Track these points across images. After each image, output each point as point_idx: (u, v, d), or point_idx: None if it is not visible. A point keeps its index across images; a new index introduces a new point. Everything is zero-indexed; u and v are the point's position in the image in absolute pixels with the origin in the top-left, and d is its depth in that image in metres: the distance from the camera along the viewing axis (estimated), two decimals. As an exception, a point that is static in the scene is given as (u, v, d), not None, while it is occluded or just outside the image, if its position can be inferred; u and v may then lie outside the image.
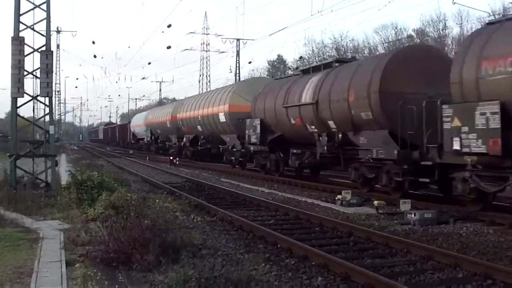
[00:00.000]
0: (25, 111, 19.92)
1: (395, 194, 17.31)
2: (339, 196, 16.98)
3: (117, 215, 11.88)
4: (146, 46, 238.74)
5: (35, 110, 24.79)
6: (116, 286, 7.89)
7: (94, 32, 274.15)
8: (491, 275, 8.36)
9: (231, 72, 76.92)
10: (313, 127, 21.99)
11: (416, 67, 17.34)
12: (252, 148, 28.70)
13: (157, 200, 16.77)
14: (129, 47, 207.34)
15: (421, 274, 8.77)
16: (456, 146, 13.96)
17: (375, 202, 15.73)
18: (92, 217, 13.33)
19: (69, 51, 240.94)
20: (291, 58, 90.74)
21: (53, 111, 19.89)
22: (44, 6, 18.54)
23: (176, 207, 16.07)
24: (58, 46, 79.95)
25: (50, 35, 18.91)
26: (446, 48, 54.66)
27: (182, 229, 12.26)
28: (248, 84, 35.74)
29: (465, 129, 13.66)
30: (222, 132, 34.74)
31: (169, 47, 61.85)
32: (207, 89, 76.37)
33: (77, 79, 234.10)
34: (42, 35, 18.63)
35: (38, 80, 18.54)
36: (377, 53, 51.11)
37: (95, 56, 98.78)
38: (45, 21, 18.54)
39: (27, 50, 18.27)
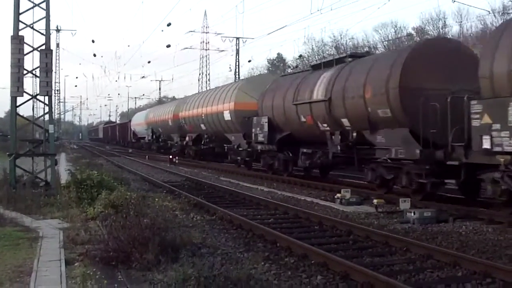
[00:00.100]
0: (25, 110, 19.99)
1: (416, 196, 16.21)
2: (338, 195, 16.98)
3: (116, 214, 11.88)
4: (145, 45, 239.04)
5: (35, 109, 24.88)
6: (116, 285, 7.89)
7: (94, 31, 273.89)
8: (490, 274, 8.37)
9: (230, 70, 76.95)
10: (325, 125, 20.98)
11: (437, 61, 16.37)
12: (259, 147, 27.50)
13: (156, 199, 16.77)
14: (128, 46, 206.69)
15: (421, 272, 8.78)
16: (486, 145, 13.11)
17: (375, 201, 15.73)
18: (91, 216, 13.34)
19: (69, 50, 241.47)
20: (290, 57, 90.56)
21: (53, 110, 19.88)
22: (43, 5, 18.54)
23: (175, 206, 16.07)
24: (57, 45, 79.98)
25: (50, 34, 18.93)
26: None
27: (182, 228, 12.27)
28: (254, 81, 34.66)
29: (497, 126, 12.79)
30: (227, 131, 33.55)
31: (168, 46, 61.84)
32: (206, 87, 76.38)
33: (76, 78, 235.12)
34: (42, 34, 18.65)
35: (38, 79, 18.54)
36: (377, 52, 51.07)
37: (94, 55, 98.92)
38: (44, 20, 18.54)
39: (26, 49, 18.27)
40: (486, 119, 13.18)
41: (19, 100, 18.61)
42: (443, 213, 14.21)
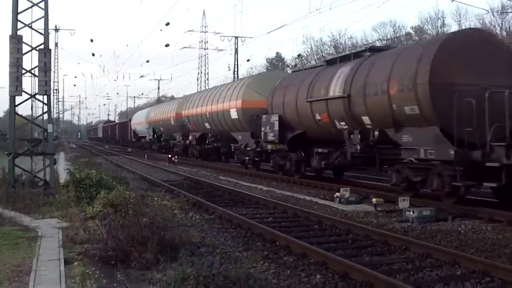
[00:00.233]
0: (23, 110, 19.84)
1: (448, 200, 15.22)
2: (337, 194, 16.99)
3: (115, 213, 11.88)
4: (144, 44, 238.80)
5: (33, 108, 24.70)
6: (115, 284, 7.90)
7: (92, 30, 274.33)
8: (489, 273, 8.37)
9: (229, 70, 76.99)
10: (343, 123, 19.77)
11: (469, 54, 15.29)
12: (269, 147, 26.16)
13: (155, 198, 16.76)
14: (127, 45, 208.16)
15: (420, 271, 8.78)
16: None
17: (374, 200, 15.73)
18: (90, 215, 13.33)
19: (67, 49, 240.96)
20: (289, 56, 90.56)
21: (52, 109, 19.86)
22: (42, 5, 18.51)
23: (174, 205, 16.06)
24: (56, 44, 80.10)
25: (48, 33, 18.89)
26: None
27: (181, 227, 12.26)
28: (262, 77, 33.19)
29: None
30: (233, 130, 32.37)
31: (167, 45, 61.81)
32: (205, 87, 76.39)
33: (75, 77, 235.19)
34: (40, 33, 18.60)
35: (36, 79, 18.51)
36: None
37: (93, 54, 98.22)
38: (43, 19, 18.50)
39: (25, 48, 18.24)
40: None
41: (18, 99, 18.59)
42: (442, 212, 14.23)
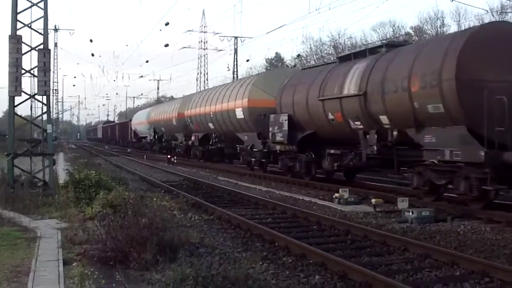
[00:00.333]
0: (23, 110, 19.88)
1: (476, 204, 14.29)
2: (336, 194, 16.99)
3: (114, 213, 11.87)
4: (143, 44, 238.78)
5: (33, 108, 24.70)
6: (113, 284, 7.89)
7: (92, 30, 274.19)
8: (488, 273, 8.38)
9: (228, 70, 77.15)
10: (358, 123, 18.70)
11: (498, 48, 14.38)
12: (277, 147, 25.10)
13: (154, 199, 16.72)
14: (126, 45, 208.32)
15: (419, 272, 8.79)
16: None
17: (373, 200, 15.73)
18: (89, 216, 13.33)
19: (67, 50, 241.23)
20: (288, 56, 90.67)
21: (51, 109, 19.85)
22: (41, 4, 18.50)
23: (173, 206, 16.05)
24: (55, 45, 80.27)
25: (48, 33, 18.90)
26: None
27: (180, 228, 12.25)
28: (269, 76, 32.20)
29: None
30: (238, 130, 31.11)
31: (166, 45, 61.77)
32: (205, 87, 76.38)
33: (74, 77, 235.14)
34: (40, 33, 18.60)
35: (36, 79, 18.51)
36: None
37: (92, 55, 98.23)
38: (42, 19, 18.50)
39: (24, 48, 18.23)
40: None
41: (17, 99, 18.58)
42: (442, 213, 14.22)
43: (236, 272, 8.21)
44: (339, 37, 69.57)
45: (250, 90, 29.46)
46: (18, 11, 18.29)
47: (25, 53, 18.28)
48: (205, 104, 36.98)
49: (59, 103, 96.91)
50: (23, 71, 18.28)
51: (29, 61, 18.49)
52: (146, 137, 62.14)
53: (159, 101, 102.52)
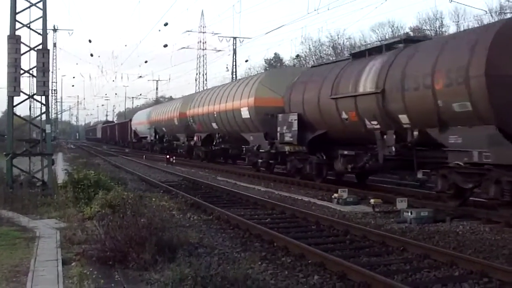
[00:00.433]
0: (22, 110, 19.95)
1: (505, 210, 13.34)
2: (335, 195, 16.98)
3: (113, 213, 11.87)
4: (142, 45, 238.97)
5: (32, 109, 24.74)
6: (112, 284, 7.90)
7: (91, 31, 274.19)
8: (487, 273, 8.38)
9: (227, 70, 77.37)
10: (374, 122, 17.67)
11: None
12: (286, 148, 23.96)
13: (153, 199, 16.73)
14: (125, 45, 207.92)
15: (418, 272, 8.79)
16: None
17: (372, 201, 15.72)
18: (88, 216, 13.33)
19: (66, 50, 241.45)
20: (287, 57, 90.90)
21: (50, 110, 19.84)
22: (40, 5, 18.50)
23: (172, 206, 16.05)
24: (54, 45, 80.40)
25: (47, 33, 18.91)
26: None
27: (179, 228, 12.24)
28: (277, 74, 30.97)
29: None
30: (244, 130, 29.90)
31: (165, 46, 61.76)
32: (203, 87, 76.42)
33: (73, 77, 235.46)
34: (39, 33, 18.61)
35: (35, 79, 18.51)
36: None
37: (91, 55, 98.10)
38: (41, 19, 18.50)
39: (23, 48, 18.25)
40: None
41: (16, 99, 18.59)
42: (440, 213, 14.23)
43: (235, 272, 8.20)
44: (338, 37, 69.65)
45: (257, 88, 28.13)
46: (17, 11, 18.31)
47: (24, 53, 18.29)
48: (208, 104, 35.95)
49: (58, 103, 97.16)
50: (22, 71, 18.29)
51: (28, 61, 18.53)
52: (147, 137, 61.12)
53: (158, 101, 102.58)
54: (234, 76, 69.04)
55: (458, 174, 14.52)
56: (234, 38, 68.63)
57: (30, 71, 18.61)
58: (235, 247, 10.80)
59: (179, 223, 13.32)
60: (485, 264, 8.73)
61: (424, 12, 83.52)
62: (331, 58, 55.46)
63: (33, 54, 18.36)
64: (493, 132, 13.33)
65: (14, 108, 18.61)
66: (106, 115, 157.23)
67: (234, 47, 69.20)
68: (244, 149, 30.60)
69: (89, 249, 9.55)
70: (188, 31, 76.88)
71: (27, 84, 19.85)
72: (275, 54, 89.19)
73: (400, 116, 16.33)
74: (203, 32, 79.56)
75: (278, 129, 24.05)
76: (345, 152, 20.03)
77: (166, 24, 54.48)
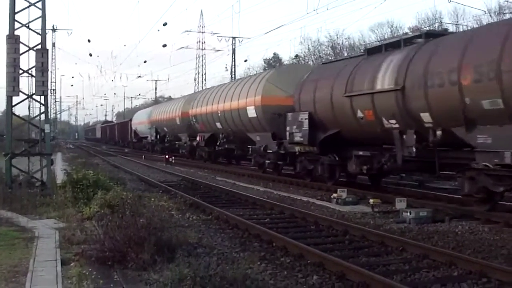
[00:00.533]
0: (21, 110, 19.90)
1: None
2: (334, 195, 16.99)
3: (112, 214, 11.87)
4: (141, 45, 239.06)
5: (31, 108, 24.71)
6: (111, 285, 7.89)
7: (90, 31, 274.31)
8: (486, 274, 8.38)
9: (226, 70, 77.30)
10: (393, 121, 16.73)
11: None
12: (296, 149, 22.94)
13: (152, 199, 16.73)
14: (124, 45, 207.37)
15: (417, 272, 8.79)
16: None
17: (371, 201, 15.72)
18: (87, 216, 13.32)
19: (65, 50, 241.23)
20: (286, 57, 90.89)
21: (49, 109, 19.83)
22: (39, 4, 18.48)
23: (171, 206, 16.05)
24: (53, 45, 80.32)
25: (46, 33, 18.86)
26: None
27: (178, 228, 12.25)
28: (285, 71, 29.56)
29: None
30: (250, 130, 28.80)
31: (164, 46, 61.68)
32: (203, 87, 76.42)
33: (72, 77, 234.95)
34: (38, 33, 18.60)
35: (34, 79, 18.49)
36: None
37: (90, 55, 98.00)
38: (40, 19, 18.48)
39: (22, 48, 18.23)
40: None
41: (15, 99, 18.58)
42: (439, 213, 14.22)
43: (234, 272, 8.20)
44: (337, 37, 69.78)
45: (264, 86, 26.93)
46: (16, 11, 18.29)
47: (23, 53, 18.28)
48: (212, 103, 34.83)
49: (57, 103, 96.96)
50: (21, 71, 18.27)
51: (27, 61, 18.51)
52: (147, 137, 60.03)
53: (157, 101, 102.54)
54: (233, 76, 69.03)
55: (488, 177, 13.67)
56: (233, 38, 68.68)
57: (29, 71, 18.60)
58: (234, 247, 10.80)
59: (178, 223, 13.33)
60: (484, 264, 8.73)
61: (423, 12, 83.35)
62: (330, 58, 55.53)
63: (32, 54, 18.35)
64: None
65: (13, 108, 18.61)
66: (105, 115, 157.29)
67: (233, 47, 69.23)
68: (250, 149, 29.47)
69: (88, 249, 9.54)
70: (187, 31, 77.09)
71: (26, 84, 19.83)
72: (274, 54, 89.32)
73: (421, 114, 15.39)
74: (202, 32, 79.72)
75: (288, 128, 23.16)
76: (360, 153, 19.13)
77: (165, 24, 54.61)
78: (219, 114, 33.00)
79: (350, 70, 19.33)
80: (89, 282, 7.73)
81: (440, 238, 11.57)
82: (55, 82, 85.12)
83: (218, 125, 33.78)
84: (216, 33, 73.20)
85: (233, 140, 33.24)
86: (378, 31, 66.14)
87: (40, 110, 19.29)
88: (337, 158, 20.81)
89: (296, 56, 70.65)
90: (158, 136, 54.69)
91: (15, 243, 10.73)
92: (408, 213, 13.53)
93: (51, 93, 78.62)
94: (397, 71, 16.39)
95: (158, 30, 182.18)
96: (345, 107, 19.02)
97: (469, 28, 31.83)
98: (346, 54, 57.11)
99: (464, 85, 13.71)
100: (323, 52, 69.55)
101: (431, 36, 16.60)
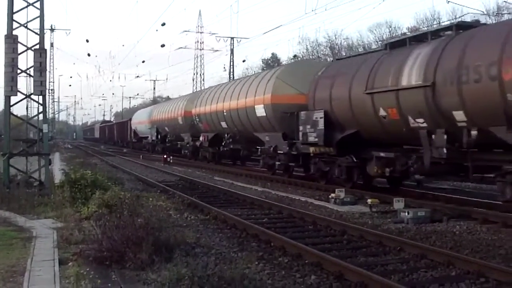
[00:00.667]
0: (19, 110, 19.87)
1: None
2: (332, 195, 16.98)
3: (110, 213, 11.88)
4: (140, 45, 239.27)
5: (29, 108, 24.72)
6: (109, 284, 7.89)
7: (88, 31, 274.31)
8: (484, 273, 8.39)
9: (225, 70, 77.11)
10: (420, 120, 15.48)
11: None
12: (311, 150, 21.34)
13: (150, 199, 16.77)
14: (123, 45, 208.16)
15: (414, 272, 8.79)
16: None
17: (369, 201, 15.73)
18: (85, 216, 13.31)
19: (63, 50, 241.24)
20: (285, 57, 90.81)
21: (47, 109, 19.82)
22: (37, 4, 18.47)
23: (169, 206, 16.07)
24: (51, 45, 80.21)
25: (44, 33, 18.84)
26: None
27: (176, 228, 12.25)
28: (296, 67, 27.77)
29: None
30: (258, 130, 27.38)
31: (163, 46, 61.83)
32: (201, 87, 76.42)
33: (71, 77, 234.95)
34: (36, 33, 18.59)
35: (32, 79, 18.48)
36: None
37: (89, 55, 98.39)
38: (38, 19, 18.47)
39: (20, 48, 18.21)
40: None
41: (13, 99, 18.55)
42: (437, 213, 14.23)
43: (232, 272, 8.21)
44: (336, 38, 69.81)
45: (274, 84, 25.31)
46: (14, 10, 18.28)
47: (21, 53, 18.26)
48: (216, 101, 33.36)
49: (55, 103, 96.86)
50: (19, 71, 18.26)
51: (25, 61, 18.51)
52: (148, 137, 58.58)
53: (155, 101, 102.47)
54: (231, 76, 69.00)
55: None
56: (232, 38, 68.63)
57: (27, 71, 18.59)
58: (232, 247, 10.80)
59: (176, 223, 13.33)
60: (482, 264, 8.73)
61: (422, 13, 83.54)
62: (328, 59, 55.52)
63: (30, 53, 18.34)
64: None
65: (11, 108, 18.58)
66: (104, 115, 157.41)
67: (232, 47, 69.18)
68: (259, 150, 27.84)
69: (86, 249, 9.53)
70: (186, 31, 77.00)
71: (24, 83, 19.84)
72: (273, 54, 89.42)
73: (454, 112, 14.12)
74: (201, 32, 79.73)
75: (300, 128, 21.86)
76: (382, 154, 17.81)
77: (163, 24, 54.40)
78: (225, 113, 31.69)
79: (371, 65, 18.06)
80: (87, 282, 7.72)
81: (438, 238, 11.57)
82: (53, 82, 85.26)
83: (223, 124, 32.49)
84: (214, 33, 73.39)
85: (239, 140, 31.84)
86: (376, 31, 66.28)
87: (38, 110, 19.32)
88: (355, 160, 19.49)
89: (295, 56, 70.65)
90: (159, 136, 53.38)
91: (13, 243, 10.72)
92: (406, 213, 13.53)
93: (49, 93, 78.65)
94: (425, 65, 15.17)
95: (157, 30, 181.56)
96: (366, 105, 17.76)
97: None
98: (344, 54, 57.10)
99: (505, 81, 12.55)
100: (322, 52, 69.70)
101: (461, 28, 15.40)
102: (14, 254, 9.75)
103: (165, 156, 39.31)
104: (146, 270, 8.51)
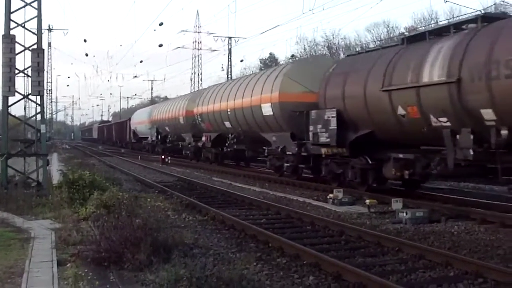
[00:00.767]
0: (16, 110, 19.83)
1: None
2: (330, 195, 16.97)
3: (108, 214, 11.86)
4: (138, 45, 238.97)
5: (27, 109, 24.67)
6: (107, 285, 7.88)
7: (86, 30, 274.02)
8: (482, 274, 8.39)
9: (223, 70, 77.03)
10: (443, 119, 14.54)
11: None
12: (322, 151, 20.48)
13: (148, 199, 16.75)
14: (121, 45, 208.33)
15: (413, 272, 8.80)
16: None
17: (367, 201, 15.72)
18: (83, 217, 13.30)
19: (61, 50, 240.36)
20: (283, 57, 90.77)
21: (45, 110, 19.80)
22: (35, 4, 18.46)
23: (167, 206, 16.06)
24: (49, 44, 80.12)
25: (42, 33, 18.85)
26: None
27: (174, 228, 12.25)
28: (304, 64, 27.05)
29: None
30: (264, 130, 26.25)
31: (161, 46, 61.79)
32: (199, 87, 76.40)
33: (68, 77, 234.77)
34: (33, 33, 18.57)
35: (30, 79, 18.47)
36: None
37: (86, 55, 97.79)
38: (36, 19, 18.46)
39: (18, 48, 18.20)
40: None
41: (11, 99, 18.54)
42: (435, 213, 14.24)
43: (230, 272, 8.21)
44: (333, 37, 69.76)
45: (281, 81, 24.22)
46: (12, 10, 18.27)
47: (19, 53, 18.25)
48: (220, 100, 32.16)
49: (53, 103, 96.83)
50: (16, 71, 18.24)
51: (23, 61, 18.50)
52: (147, 137, 57.20)
53: (153, 101, 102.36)
54: (229, 76, 68.98)
55: None
56: (229, 38, 68.62)
57: (25, 71, 18.57)
58: (230, 248, 10.79)
59: (174, 223, 13.33)
60: (480, 265, 8.74)
61: (419, 12, 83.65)
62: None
63: (28, 53, 18.34)
64: None
65: (9, 108, 18.56)
66: (101, 115, 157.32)
67: (229, 47, 69.19)
68: (266, 150, 26.52)
69: (84, 250, 9.53)
70: (183, 31, 76.92)
71: (22, 84, 19.85)
72: (270, 54, 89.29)
73: (482, 111, 13.19)
74: (198, 32, 79.64)
75: (311, 128, 20.78)
76: (401, 156, 16.75)
77: (161, 24, 54.67)
78: (229, 113, 30.44)
79: (387, 61, 17.05)
80: (85, 283, 7.72)
81: (436, 239, 11.58)
82: (51, 82, 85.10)
83: (227, 124, 31.18)
84: (212, 33, 73.25)
85: (243, 141, 30.46)
86: (374, 31, 66.22)
87: (36, 110, 19.28)
88: (370, 161, 18.46)
89: (292, 56, 70.56)
90: (159, 137, 52.10)
91: (11, 243, 10.70)
92: (404, 214, 13.53)
93: (47, 93, 78.53)
94: (449, 60, 14.21)
95: (154, 30, 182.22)
96: (382, 103, 16.78)
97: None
98: (342, 55, 57.10)
99: None
100: (319, 52, 69.50)
101: (488, 20, 14.35)
102: (12, 255, 9.74)
103: (163, 157, 39.23)
104: (144, 271, 8.51)
